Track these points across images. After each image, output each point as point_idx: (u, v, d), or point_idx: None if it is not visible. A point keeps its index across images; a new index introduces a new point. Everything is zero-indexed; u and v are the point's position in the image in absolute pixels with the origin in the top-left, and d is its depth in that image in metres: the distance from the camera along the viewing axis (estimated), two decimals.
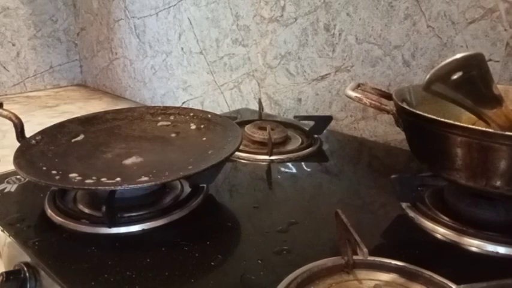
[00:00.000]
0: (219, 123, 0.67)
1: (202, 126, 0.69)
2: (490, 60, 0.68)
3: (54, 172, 0.54)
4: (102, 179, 0.53)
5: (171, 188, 0.61)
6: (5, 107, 0.65)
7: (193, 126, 0.69)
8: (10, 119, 0.63)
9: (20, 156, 0.56)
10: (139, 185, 0.50)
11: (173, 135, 0.68)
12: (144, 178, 0.52)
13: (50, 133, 0.65)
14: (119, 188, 0.49)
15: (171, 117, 0.72)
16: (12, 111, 0.63)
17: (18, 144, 0.60)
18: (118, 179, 0.52)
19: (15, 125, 0.62)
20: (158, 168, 0.56)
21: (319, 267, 0.42)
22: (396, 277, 0.42)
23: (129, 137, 0.68)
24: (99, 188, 0.52)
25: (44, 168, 0.55)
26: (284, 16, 0.97)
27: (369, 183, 0.67)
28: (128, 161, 0.59)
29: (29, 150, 0.59)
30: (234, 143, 0.59)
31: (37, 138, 0.62)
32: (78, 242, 0.50)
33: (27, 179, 0.62)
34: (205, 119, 0.70)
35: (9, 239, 0.50)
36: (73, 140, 0.65)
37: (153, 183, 0.51)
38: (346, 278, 0.42)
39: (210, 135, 0.66)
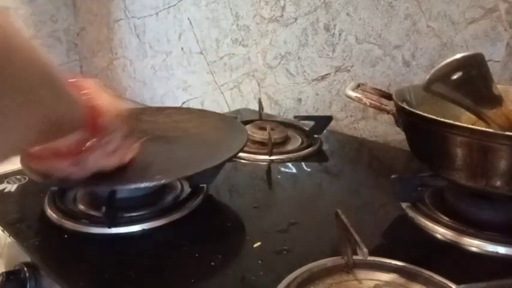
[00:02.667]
0: (222, 121, 0.67)
1: (204, 125, 0.68)
2: (490, 60, 0.68)
3: None
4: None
5: (171, 188, 0.60)
6: None
7: (194, 126, 0.69)
8: None
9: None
10: (141, 184, 0.50)
11: (175, 134, 0.67)
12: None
13: None
14: (119, 187, 0.49)
15: (172, 117, 0.72)
16: None
17: None
18: (119, 178, 0.52)
19: None
20: (160, 168, 0.55)
21: (319, 267, 0.42)
22: (396, 277, 0.42)
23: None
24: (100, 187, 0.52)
25: None
26: (284, 16, 0.97)
27: (369, 183, 0.67)
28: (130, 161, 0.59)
29: None
30: (238, 143, 0.58)
31: None
32: (78, 242, 0.50)
33: (27, 179, 0.62)
34: (206, 117, 0.69)
35: (9, 239, 0.50)
36: None
37: (154, 183, 0.51)
38: (346, 278, 0.42)
39: (212, 134, 0.65)
